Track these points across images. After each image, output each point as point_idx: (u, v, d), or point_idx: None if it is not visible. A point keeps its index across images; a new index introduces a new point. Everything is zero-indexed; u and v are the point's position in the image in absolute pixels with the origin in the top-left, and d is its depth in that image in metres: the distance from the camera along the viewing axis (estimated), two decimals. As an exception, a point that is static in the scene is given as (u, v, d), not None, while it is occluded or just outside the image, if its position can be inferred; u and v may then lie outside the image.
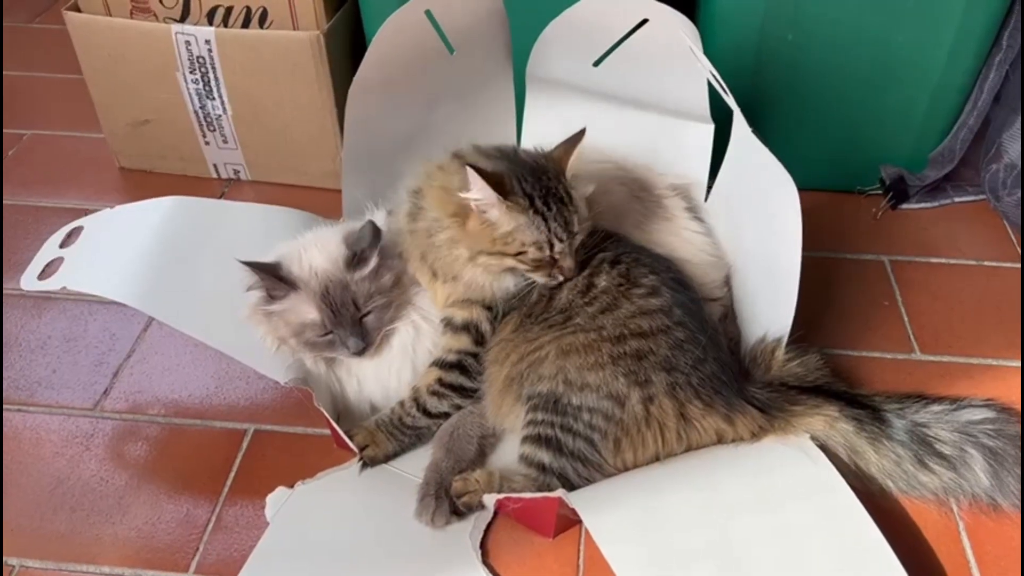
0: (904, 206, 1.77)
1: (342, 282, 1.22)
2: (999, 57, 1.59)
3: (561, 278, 1.19)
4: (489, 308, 1.25)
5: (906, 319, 1.53)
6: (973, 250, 1.67)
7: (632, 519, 1.06)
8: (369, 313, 1.23)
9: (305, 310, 1.21)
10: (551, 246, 1.15)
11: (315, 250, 1.25)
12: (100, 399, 1.40)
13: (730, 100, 1.11)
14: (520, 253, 1.15)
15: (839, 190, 1.79)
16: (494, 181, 1.11)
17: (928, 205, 1.78)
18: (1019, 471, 1.15)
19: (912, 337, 1.49)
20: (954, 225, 1.74)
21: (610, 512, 1.07)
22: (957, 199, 1.78)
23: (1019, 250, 1.66)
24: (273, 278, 1.21)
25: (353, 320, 1.22)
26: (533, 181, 1.16)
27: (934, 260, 1.65)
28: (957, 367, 1.43)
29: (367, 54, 1.28)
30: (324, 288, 1.21)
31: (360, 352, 1.23)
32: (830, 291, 1.57)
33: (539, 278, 1.19)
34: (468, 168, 1.10)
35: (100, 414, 1.38)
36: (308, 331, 1.22)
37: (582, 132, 1.20)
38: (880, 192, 1.78)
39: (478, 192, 1.12)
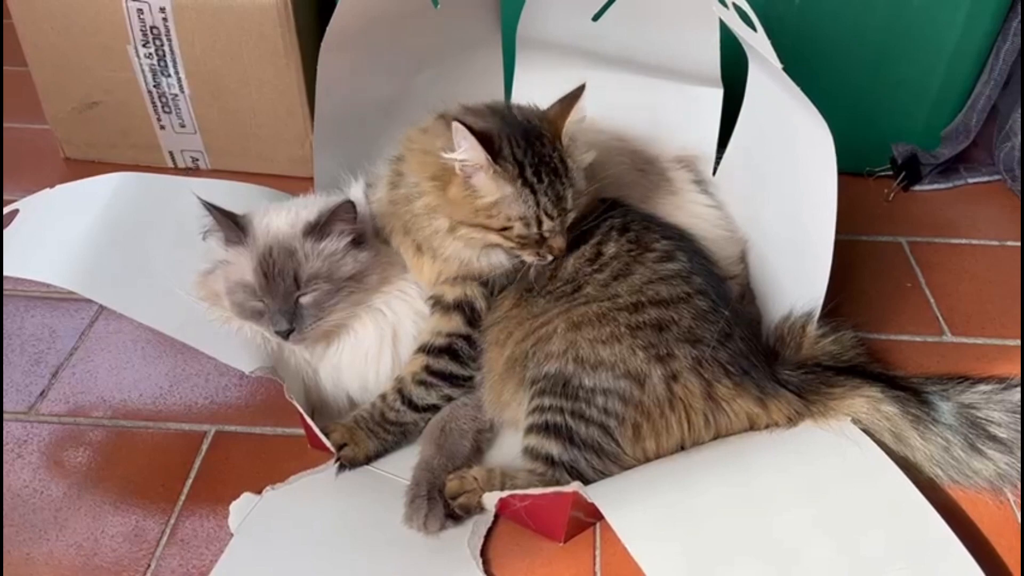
0: (916, 188, 1.68)
1: (289, 248, 1.07)
2: (1015, 23, 1.50)
3: (550, 257, 1.06)
4: (485, 284, 1.10)
5: (932, 301, 1.42)
6: (994, 230, 1.58)
7: (662, 514, 0.92)
8: (307, 294, 1.07)
9: (244, 267, 1.08)
10: (539, 223, 1.02)
11: (284, 211, 1.11)
12: (36, 402, 1.23)
13: (757, 35, 0.99)
14: (505, 228, 1.02)
15: (847, 172, 1.63)
16: (484, 140, 0.98)
17: (941, 186, 1.68)
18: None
19: (941, 319, 1.38)
20: (971, 206, 1.65)
21: (636, 507, 0.93)
22: (971, 180, 1.69)
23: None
24: (227, 220, 1.08)
25: (286, 294, 1.06)
26: (526, 146, 1.02)
27: (954, 241, 1.56)
28: (993, 348, 1.33)
29: (339, 4, 1.14)
30: (268, 248, 1.07)
31: (284, 335, 1.07)
32: (848, 274, 1.46)
33: (526, 256, 1.06)
34: (455, 124, 0.97)
35: (36, 418, 1.20)
36: (239, 292, 1.08)
37: (581, 88, 1.07)
38: (890, 173, 1.68)
39: (465, 152, 0.98)
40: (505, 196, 1.01)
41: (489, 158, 0.98)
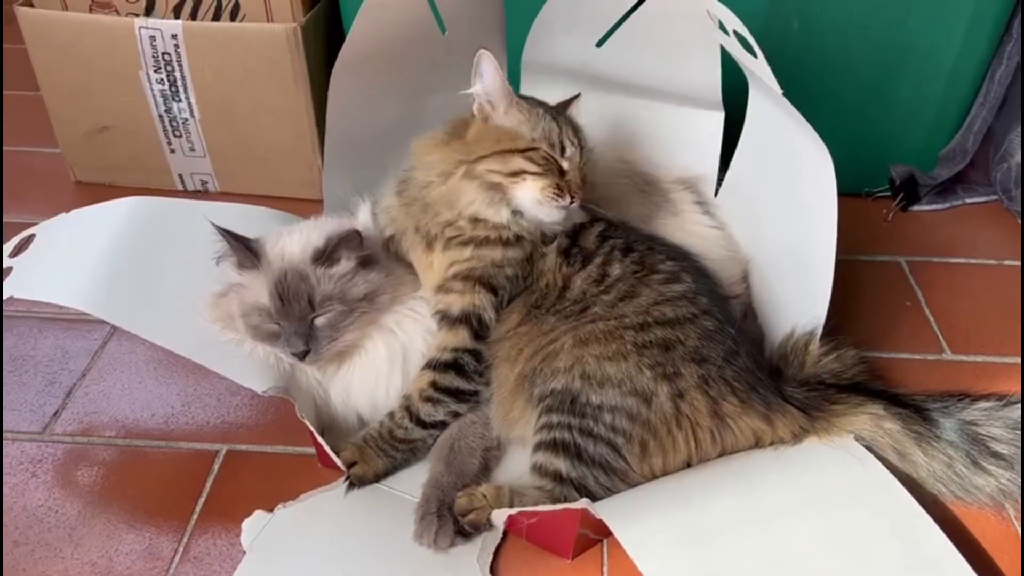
0: (914, 208, 1.70)
1: (302, 273, 1.10)
2: (1009, 47, 1.53)
3: (568, 199, 1.07)
4: (494, 291, 1.12)
5: (932, 319, 1.44)
6: (991, 250, 1.60)
7: (671, 530, 0.93)
8: (321, 316, 1.09)
9: (259, 291, 1.10)
10: (562, 147, 1.08)
11: (296, 235, 1.13)
12: (50, 422, 1.24)
13: (757, 61, 1.01)
14: (530, 149, 1.07)
15: (846, 193, 1.64)
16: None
17: (939, 207, 1.71)
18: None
19: (941, 337, 1.40)
20: (969, 226, 1.67)
21: (645, 523, 0.94)
22: (968, 200, 1.72)
23: (1039, 249, 1.59)
24: (241, 246, 1.10)
25: (301, 316, 1.08)
26: (536, 103, 1.13)
27: (953, 260, 1.58)
28: (993, 366, 1.34)
29: (352, 29, 1.17)
30: (282, 273, 1.09)
31: (300, 356, 1.09)
32: (848, 293, 1.47)
33: (547, 195, 1.06)
34: (483, 52, 1.04)
35: (50, 438, 1.22)
36: (255, 315, 1.10)
37: (576, 97, 1.16)
38: (889, 194, 1.71)
39: (488, 80, 1.06)
40: (528, 118, 1.08)
41: (510, 89, 1.06)
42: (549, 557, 1.05)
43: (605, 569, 1.04)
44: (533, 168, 1.06)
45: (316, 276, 1.10)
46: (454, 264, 1.12)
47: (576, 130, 1.12)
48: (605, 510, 0.95)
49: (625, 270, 1.10)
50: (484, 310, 1.12)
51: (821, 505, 0.99)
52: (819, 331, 1.13)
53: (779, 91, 1.01)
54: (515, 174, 1.06)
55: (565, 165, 1.08)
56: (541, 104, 1.14)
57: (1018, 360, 1.35)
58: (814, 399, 1.09)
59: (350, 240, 1.10)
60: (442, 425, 1.14)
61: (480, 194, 1.08)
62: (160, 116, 1.63)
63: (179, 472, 1.17)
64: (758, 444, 1.06)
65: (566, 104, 1.18)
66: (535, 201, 1.08)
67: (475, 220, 1.10)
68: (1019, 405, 1.12)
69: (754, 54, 1.01)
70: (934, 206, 1.70)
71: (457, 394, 1.13)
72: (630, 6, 1.25)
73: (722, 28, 1.05)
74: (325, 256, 1.10)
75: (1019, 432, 1.08)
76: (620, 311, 1.05)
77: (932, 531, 0.96)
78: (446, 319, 1.13)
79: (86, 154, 1.73)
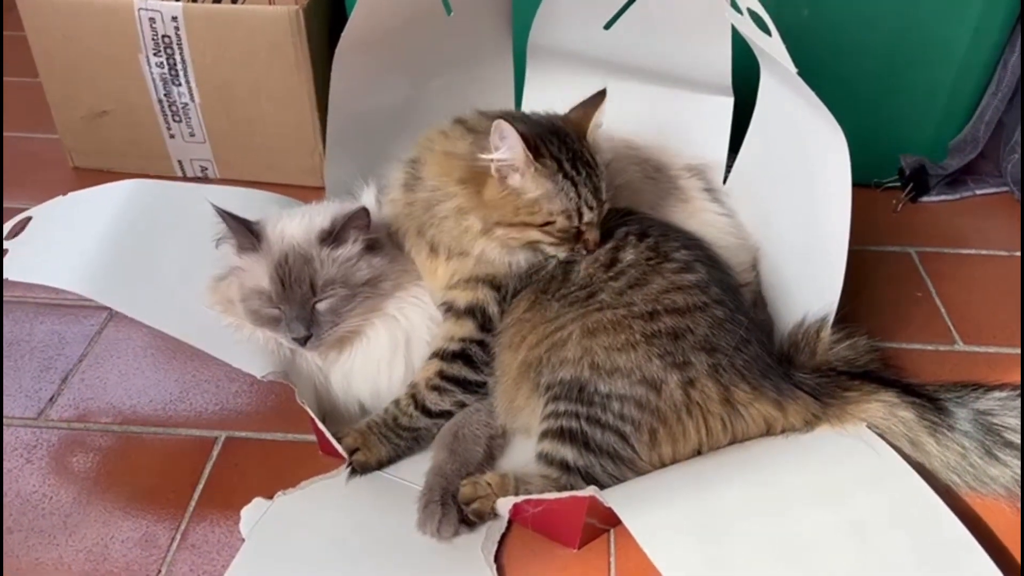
0: (924, 199, 1.68)
1: (305, 255, 1.07)
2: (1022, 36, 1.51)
3: (585, 252, 1.06)
4: (497, 288, 1.10)
5: (943, 310, 1.42)
6: (1002, 241, 1.58)
7: (681, 518, 0.91)
8: (323, 300, 1.07)
9: (259, 274, 1.07)
10: (580, 215, 1.03)
11: (298, 218, 1.11)
12: (45, 407, 1.22)
13: (771, 40, 0.99)
14: (547, 223, 1.02)
15: (855, 183, 1.65)
16: (523, 140, 0.98)
17: (949, 198, 1.68)
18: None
19: (952, 328, 1.38)
20: (979, 217, 1.65)
21: (655, 511, 0.92)
22: (978, 191, 1.70)
23: (1050, 240, 1.57)
24: (241, 228, 1.08)
25: (303, 301, 1.06)
26: (558, 143, 1.03)
27: (963, 251, 1.56)
28: (1006, 357, 1.33)
29: (354, 10, 1.15)
30: (283, 256, 1.07)
31: (301, 342, 1.06)
32: (858, 284, 1.44)
33: (561, 253, 1.06)
34: (499, 122, 0.97)
35: (45, 423, 1.19)
36: (255, 299, 1.07)
37: (603, 94, 1.08)
38: (898, 185, 1.68)
39: (507, 152, 0.99)
40: (547, 192, 1.01)
41: (531, 157, 0.99)
42: (555, 547, 1.03)
43: (612, 559, 1.02)
44: (549, 240, 1.04)
45: (320, 258, 1.07)
46: (457, 272, 1.10)
47: (596, 186, 1.04)
48: (614, 498, 0.93)
49: (639, 256, 1.07)
50: (489, 304, 1.10)
51: (834, 493, 0.97)
52: (831, 318, 1.11)
53: (794, 70, 0.99)
54: (532, 243, 1.05)
55: (584, 228, 1.04)
56: (557, 133, 1.04)
57: (1031, 351, 1.33)
58: (826, 386, 1.07)
59: (359, 218, 1.08)
60: (448, 415, 1.12)
61: (496, 250, 1.07)
62: (159, 100, 1.61)
63: (177, 459, 1.14)
64: (769, 431, 1.04)
65: (589, 110, 1.09)
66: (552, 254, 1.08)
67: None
68: (1034, 395, 1.10)
69: (768, 32, 0.99)
70: (944, 197, 1.68)
71: (464, 384, 1.11)
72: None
73: (735, 7, 1.03)
74: (333, 236, 1.08)
75: (1035, 422, 1.06)
76: (629, 299, 1.03)
77: (947, 518, 0.94)
78: (452, 311, 1.12)
79: (84, 139, 1.71)
